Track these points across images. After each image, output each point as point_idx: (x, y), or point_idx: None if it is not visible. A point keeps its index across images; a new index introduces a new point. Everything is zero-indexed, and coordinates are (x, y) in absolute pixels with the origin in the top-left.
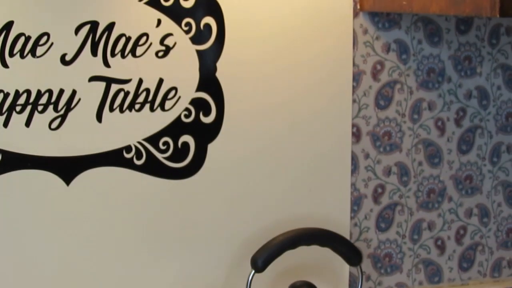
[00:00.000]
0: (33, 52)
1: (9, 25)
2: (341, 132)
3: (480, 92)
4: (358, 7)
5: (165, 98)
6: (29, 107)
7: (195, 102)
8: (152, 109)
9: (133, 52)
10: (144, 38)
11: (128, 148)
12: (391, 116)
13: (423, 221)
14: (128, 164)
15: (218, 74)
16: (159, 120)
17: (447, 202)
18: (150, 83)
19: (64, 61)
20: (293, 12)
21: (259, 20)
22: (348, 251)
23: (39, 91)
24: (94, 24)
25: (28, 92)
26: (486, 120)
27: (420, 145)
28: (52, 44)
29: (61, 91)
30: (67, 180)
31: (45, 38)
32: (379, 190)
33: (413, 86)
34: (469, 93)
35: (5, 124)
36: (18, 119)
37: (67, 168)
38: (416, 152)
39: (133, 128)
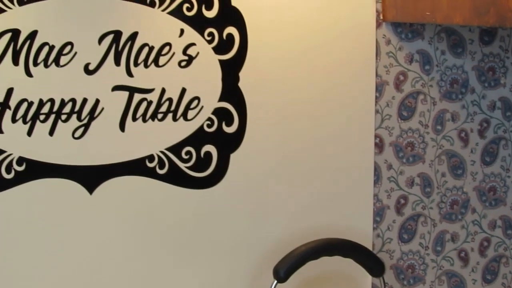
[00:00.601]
0: (57, 61)
1: (33, 35)
2: (363, 142)
3: (504, 103)
4: (381, 17)
5: (187, 107)
6: (52, 116)
7: (218, 111)
8: (174, 119)
9: (156, 61)
10: (167, 48)
11: (150, 158)
12: (414, 127)
13: (446, 233)
14: (151, 173)
15: (240, 84)
16: (182, 129)
17: (470, 213)
18: (173, 93)
19: (87, 70)
20: (316, 23)
21: (281, 31)
22: (371, 262)
23: (62, 100)
24: (117, 34)
25: (52, 101)
26: (510, 131)
27: (443, 156)
28: (75, 53)
29: (85, 100)
30: (90, 188)
31: (68, 47)
32: (402, 201)
33: (436, 97)
34: (492, 104)
35: (29, 133)
36: (41, 128)
37: (90, 177)
38: (439, 163)
39: (155, 137)
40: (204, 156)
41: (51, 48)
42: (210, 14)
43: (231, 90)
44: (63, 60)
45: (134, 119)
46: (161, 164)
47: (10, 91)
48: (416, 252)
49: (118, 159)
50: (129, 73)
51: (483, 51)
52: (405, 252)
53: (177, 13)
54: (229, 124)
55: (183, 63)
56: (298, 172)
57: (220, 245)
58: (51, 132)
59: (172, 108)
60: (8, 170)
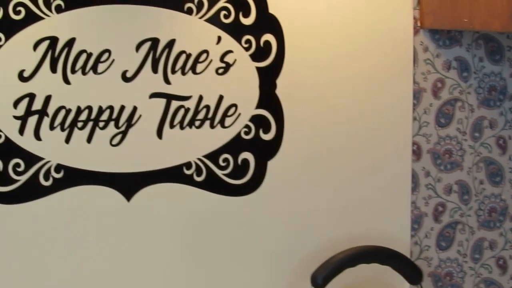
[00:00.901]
0: (94, 68)
1: (71, 42)
2: (401, 149)
3: None
4: (419, 24)
5: (225, 115)
6: (90, 124)
7: (255, 119)
8: (212, 126)
9: (193, 69)
10: (204, 55)
11: (188, 165)
12: (452, 134)
13: (485, 240)
14: (188, 180)
15: (278, 91)
16: (219, 136)
17: (508, 221)
18: (210, 100)
19: (125, 77)
20: (353, 31)
21: (318, 38)
22: (409, 270)
23: (100, 108)
24: (155, 41)
25: (90, 108)
26: None
27: (481, 164)
28: (113, 61)
29: (122, 108)
30: (128, 196)
31: (106, 55)
32: (440, 208)
33: (474, 104)
34: None
35: (67, 140)
36: (79, 135)
37: (128, 184)
38: (477, 170)
39: (193, 144)
40: (241, 163)
41: (89, 55)
42: (247, 21)
43: (268, 97)
44: (100, 67)
45: (172, 126)
46: (199, 171)
47: (48, 99)
48: (454, 260)
49: (155, 166)
50: (167, 81)
51: None
52: (443, 260)
53: (214, 20)
54: (267, 131)
55: (220, 71)
56: (335, 179)
57: (258, 252)
58: (89, 139)
59: (210, 115)
60: (46, 177)
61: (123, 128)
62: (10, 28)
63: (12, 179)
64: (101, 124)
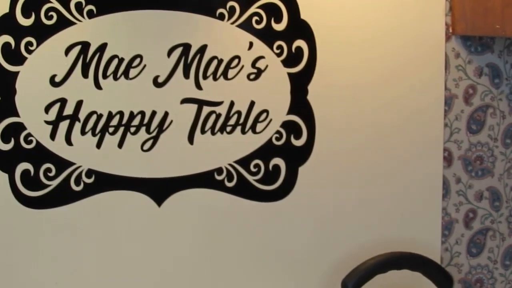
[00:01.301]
0: (126, 74)
1: (102, 47)
2: (432, 156)
3: None
4: (451, 30)
5: (256, 120)
6: (121, 129)
7: (286, 124)
8: (243, 132)
9: (225, 74)
10: (236, 61)
11: (219, 170)
12: (483, 140)
13: None
14: (219, 186)
15: (309, 97)
16: (251, 142)
17: None
18: (241, 106)
19: (156, 83)
20: (385, 37)
21: (351, 44)
22: (439, 276)
23: (131, 113)
24: (186, 47)
25: (121, 113)
26: None
27: None
28: (145, 66)
29: (154, 113)
30: (159, 201)
31: (138, 60)
32: (471, 215)
33: (505, 111)
34: None
35: (98, 145)
36: (111, 141)
37: (159, 189)
38: (509, 177)
39: (224, 150)
40: (272, 169)
41: (121, 60)
42: (279, 27)
43: (299, 103)
44: (132, 72)
45: (203, 131)
46: (230, 177)
47: (79, 104)
48: (485, 266)
49: (186, 171)
50: (198, 86)
51: None
52: (473, 266)
53: (246, 26)
54: (298, 137)
55: (252, 76)
56: (366, 185)
57: (288, 258)
58: (120, 145)
59: (241, 121)
60: (77, 182)
61: (154, 133)
62: (42, 33)
63: (43, 184)
64: (132, 129)
